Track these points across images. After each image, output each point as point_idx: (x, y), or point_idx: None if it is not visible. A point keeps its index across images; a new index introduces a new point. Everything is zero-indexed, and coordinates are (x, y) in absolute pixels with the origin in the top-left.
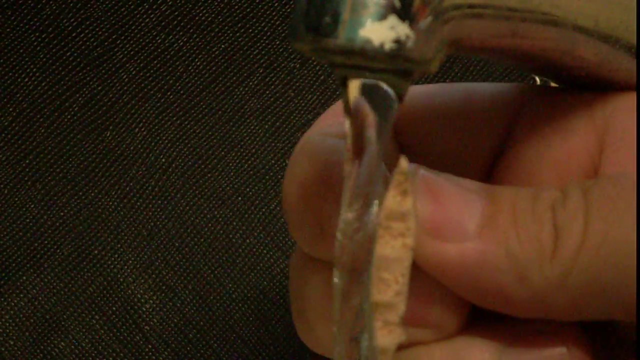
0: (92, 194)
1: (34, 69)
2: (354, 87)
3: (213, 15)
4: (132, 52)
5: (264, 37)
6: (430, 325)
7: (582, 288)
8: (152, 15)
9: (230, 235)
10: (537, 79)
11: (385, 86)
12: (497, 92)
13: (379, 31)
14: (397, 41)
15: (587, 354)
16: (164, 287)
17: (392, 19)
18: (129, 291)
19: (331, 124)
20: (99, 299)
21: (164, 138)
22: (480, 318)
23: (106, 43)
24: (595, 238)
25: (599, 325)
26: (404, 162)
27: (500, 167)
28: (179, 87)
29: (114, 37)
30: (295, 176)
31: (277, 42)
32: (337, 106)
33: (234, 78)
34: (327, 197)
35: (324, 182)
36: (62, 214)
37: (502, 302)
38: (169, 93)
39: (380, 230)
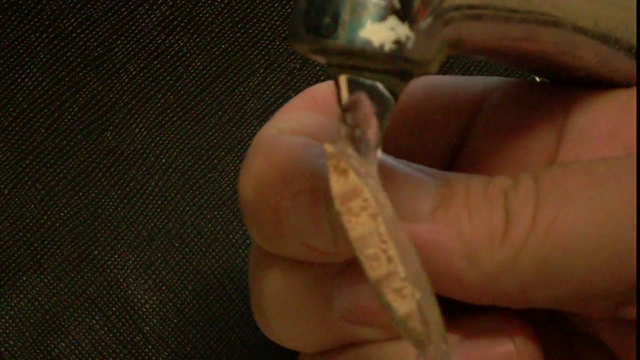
0: (92, 194)
1: (34, 69)
2: (344, 83)
3: (213, 16)
4: (132, 53)
5: (264, 38)
6: (383, 323)
7: (532, 272)
8: (152, 16)
9: (230, 236)
10: (537, 79)
11: (382, 87)
12: (459, 86)
13: (379, 32)
14: (397, 42)
15: (536, 351)
16: (164, 288)
17: (392, 20)
18: (129, 291)
19: (287, 119)
20: (99, 299)
21: (164, 138)
22: None
23: (106, 43)
24: (545, 222)
25: (551, 320)
26: (329, 147)
27: (459, 162)
28: (179, 88)
29: (114, 37)
30: (251, 172)
31: (277, 43)
32: (294, 101)
33: (234, 78)
34: (284, 194)
35: (281, 178)
36: (62, 214)
37: (453, 286)
38: (169, 93)
39: (343, 217)
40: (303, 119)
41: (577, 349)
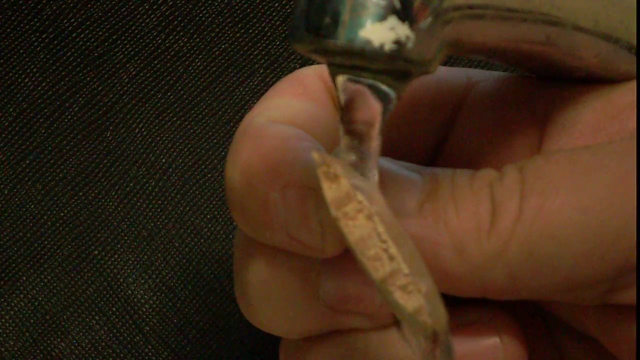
0: (92, 194)
1: (34, 69)
2: (341, 82)
3: (213, 16)
4: (132, 53)
5: (265, 38)
6: (368, 312)
7: (520, 261)
8: (152, 15)
9: (230, 235)
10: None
11: (383, 86)
12: (442, 80)
13: (379, 32)
14: (397, 42)
15: (520, 343)
16: (164, 288)
17: (392, 20)
18: (129, 291)
19: (276, 106)
20: (99, 299)
21: (164, 138)
22: None
23: (106, 43)
24: (531, 211)
25: (535, 313)
26: (316, 156)
27: (443, 157)
28: (179, 88)
29: (114, 37)
30: (239, 160)
31: (278, 43)
32: (282, 86)
33: (234, 78)
34: (273, 185)
35: (270, 169)
36: (62, 214)
37: (442, 279)
38: (169, 93)
39: (340, 222)
40: (293, 107)
41: (559, 342)
